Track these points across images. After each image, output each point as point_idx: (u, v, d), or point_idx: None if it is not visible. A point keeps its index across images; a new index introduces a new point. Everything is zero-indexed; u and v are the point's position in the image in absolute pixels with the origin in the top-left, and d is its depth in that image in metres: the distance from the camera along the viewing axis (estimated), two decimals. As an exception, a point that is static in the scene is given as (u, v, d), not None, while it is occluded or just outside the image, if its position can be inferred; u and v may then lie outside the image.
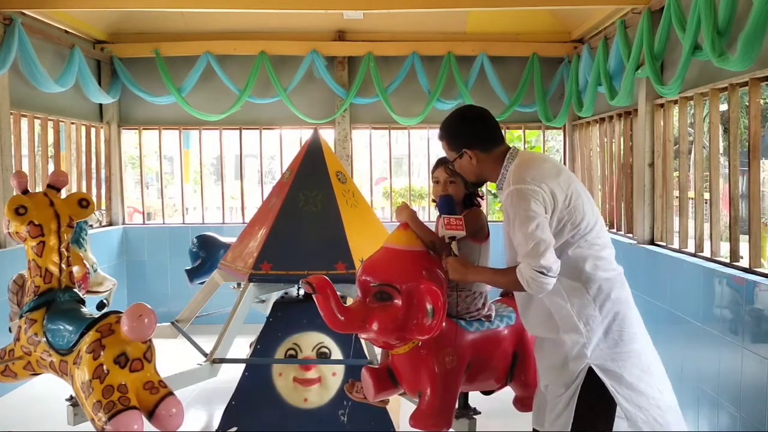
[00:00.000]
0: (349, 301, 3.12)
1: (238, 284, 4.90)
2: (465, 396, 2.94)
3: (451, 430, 2.66)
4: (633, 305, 2.45)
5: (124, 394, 2.82)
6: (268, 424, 3.65)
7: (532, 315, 2.45)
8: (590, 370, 2.32)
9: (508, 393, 2.89)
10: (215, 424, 3.75)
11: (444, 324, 2.43)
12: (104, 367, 2.84)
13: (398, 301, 2.42)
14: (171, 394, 2.95)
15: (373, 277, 2.48)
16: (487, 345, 2.66)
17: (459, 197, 2.69)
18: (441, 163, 2.74)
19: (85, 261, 4.73)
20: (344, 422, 3.65)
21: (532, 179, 2.28)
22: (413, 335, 2.44)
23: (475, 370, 2.64)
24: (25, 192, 3.36)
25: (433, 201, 2.83)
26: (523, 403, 2.82)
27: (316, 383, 3.72)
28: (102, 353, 2.87)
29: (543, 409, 2.45)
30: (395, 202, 10.19)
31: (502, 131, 2.59)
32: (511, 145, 2.48)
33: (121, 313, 2.97)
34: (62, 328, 3.17)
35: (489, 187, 8.50)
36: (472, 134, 2.45)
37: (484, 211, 7.33)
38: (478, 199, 2.78)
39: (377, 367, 2.77)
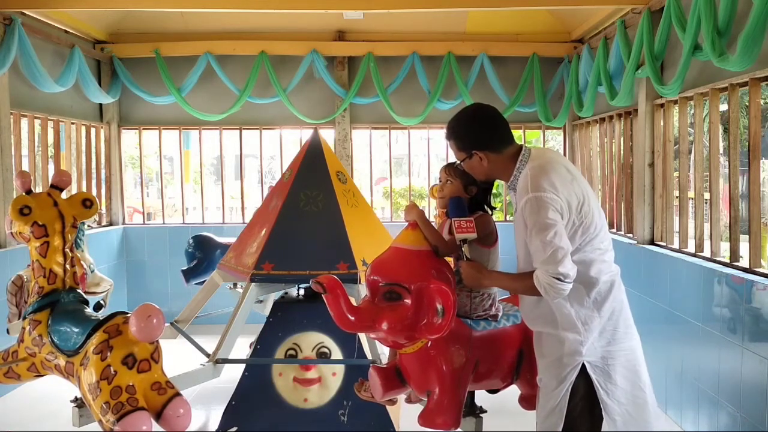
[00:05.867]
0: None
1: (235, 284, 4.92)
2: (471, 395, 2.95)
3: (458, 429, 2.67)
4: (627, 304, 2.49)
5: (133, 395, 2.81)
6: (268, 424, 3.65)
7: (534, 310, 2.46)
8: (582, 368, 2.35)
9: (513, 392, 2.90)
10: (215, 424, 3.75)
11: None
12: (112, 368, 2.84)
13: (408, 301, 2.42)
14: (178, 394, 2.95)
15: (382, 277, 2.48)
16: (493, 344, 2.67)
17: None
18: (442, 168, 2.80)
19: (82, 261, 4.73)
20: (344, 422, 3.65)
21: (550, 186, 2.27)
22: (423, 335, 2.44)
23: (482, 368, 2.65)
24: (28, 192, 3.35)
25: (444, 210, 2.83)
26: (528, 401, 2.82)
27: (316, 383, 3.72)
28: (109, 354, 2.86)
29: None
30: (395, 202, 10.20)
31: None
32: (521, 143, 2.46)
33: (128, 313, 2.97)
34: (68, 329, 3.17)
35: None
36: (483, 135, 2.42)
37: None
38: (486, 206, 2.77)
39: (385, 366, 2.78)
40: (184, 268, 5.14)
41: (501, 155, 2.42)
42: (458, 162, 2.55)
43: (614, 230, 5.95)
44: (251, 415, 3.66)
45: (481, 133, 2.43)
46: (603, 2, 5.41)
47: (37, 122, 5.87)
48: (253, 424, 3.64)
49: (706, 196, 4.39)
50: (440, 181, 2.79)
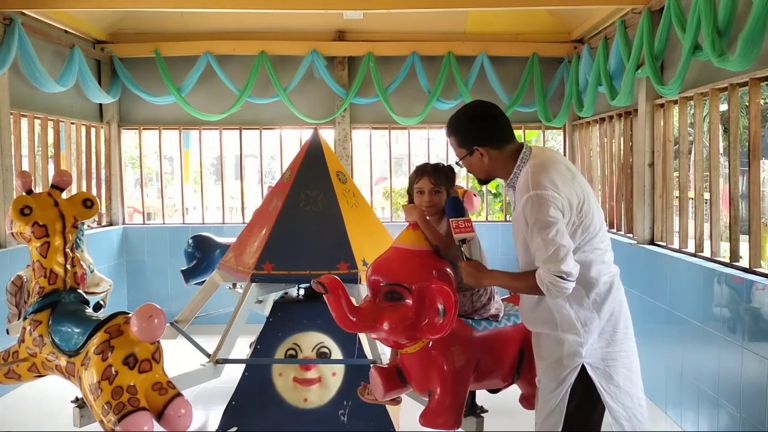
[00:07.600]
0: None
1: (234, 284, 4.91)
2: (472, 394, 2.95)
3: (459, 429, 2.67)
4: (626, 305, 2.48)
5: (134, 395, 2.82)
6: (268, 424, 3.65)
7: (533, 312, 2.46)
8: (581, 370, 2.35)
9: (514, 391, 2.91)
10: (215, 424, 3.75)
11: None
12: (113, 368, 2.84)
13: (409, 301, 2.42)
14: (179, 395, 2.95)
15: (384, 277, 2.48)
16: (495, 344, 2.68)
17: (441, 206, 2.69)
18: (423, 172, 2.73)
19: (81, 262, 4.72)
20: (344, 422, 3.65)
21: (551, 184, 2.26)
22: (424, 335, 2.45)
23: (483, 368, 2.65)
24: (29, 192, 3.35)
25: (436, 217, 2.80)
26: (529, 400, 2.83)
27: (316, 383, 3.72)
28: (111, 354, 2.86)
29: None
30: (395, 202, 10.20)
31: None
32: (521, 142, 2.46)
33: (129, 313, 2.97)
34: (69, 329, 3.16)
35: (489, 187, 8.52)
36: (485, 132, 2.42)
37: (485, 210, 7.37)
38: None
39: (386, 366, 2.78)
40: (183, 269, 5.14)
41: (502, 152, 2.42)
42: (457, 160, 2.53)
43: (614, 230, 5.95)
44: (251, 415, 3.66)
45: (482, 129, 2.42)
46: (603, 2, 5.41)
47: (37, 122, 5.87)
48: (253, 424, 3.64)
49: (706, 196, 4.39)
50: (418, 190, 2.72)
